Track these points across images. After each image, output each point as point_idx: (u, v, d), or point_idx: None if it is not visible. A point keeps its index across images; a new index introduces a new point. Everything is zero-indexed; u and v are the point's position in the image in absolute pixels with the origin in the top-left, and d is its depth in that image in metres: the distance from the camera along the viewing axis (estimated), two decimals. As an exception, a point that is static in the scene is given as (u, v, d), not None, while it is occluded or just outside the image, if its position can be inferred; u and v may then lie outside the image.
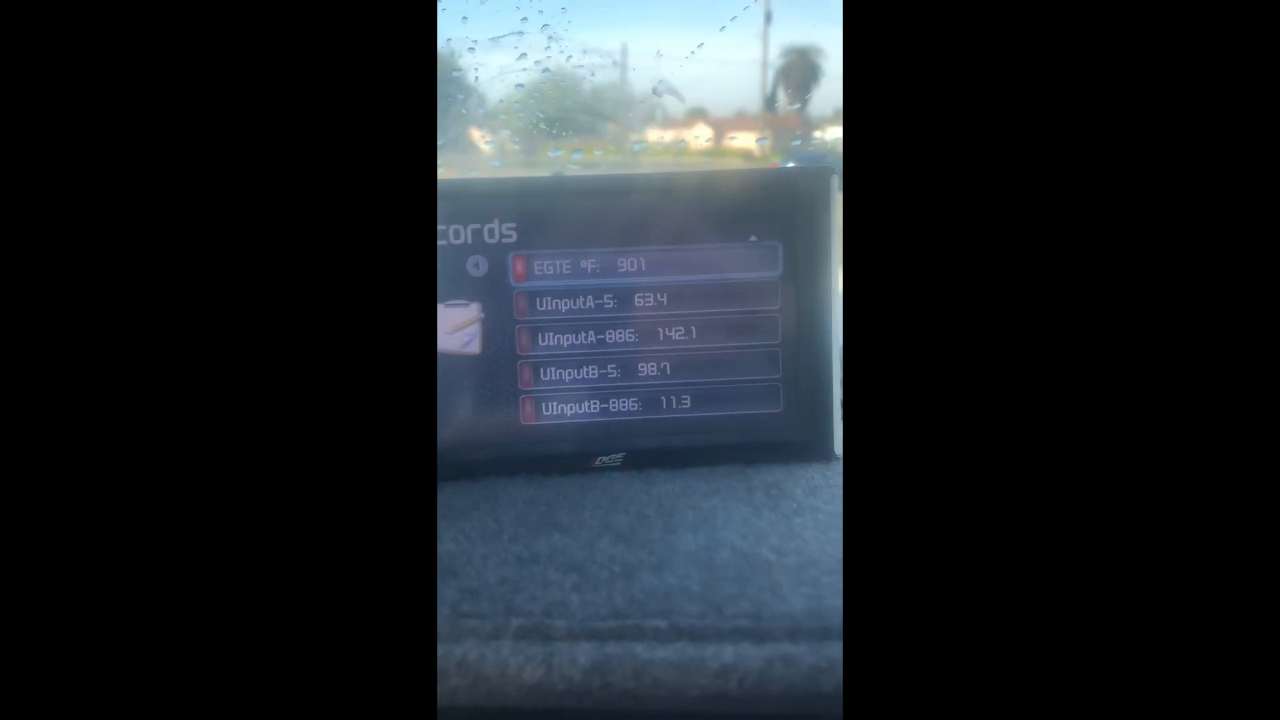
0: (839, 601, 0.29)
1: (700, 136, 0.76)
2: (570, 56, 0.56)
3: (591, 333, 0.42)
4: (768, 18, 0.72)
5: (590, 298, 0.42)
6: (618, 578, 0.31)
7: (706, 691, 0.27)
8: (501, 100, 0.61)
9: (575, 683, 0.27)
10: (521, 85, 0.58)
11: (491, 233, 0.41)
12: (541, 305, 0.42)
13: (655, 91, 0.59)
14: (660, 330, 0.42)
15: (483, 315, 0.42)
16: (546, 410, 0.43)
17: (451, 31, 0.54)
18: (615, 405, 0.43)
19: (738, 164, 0.80)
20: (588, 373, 0.43)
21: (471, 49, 0.56)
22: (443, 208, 0.41)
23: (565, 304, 0.42)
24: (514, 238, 0.41)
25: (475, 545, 0.34)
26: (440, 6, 0.53)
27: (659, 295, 0.42)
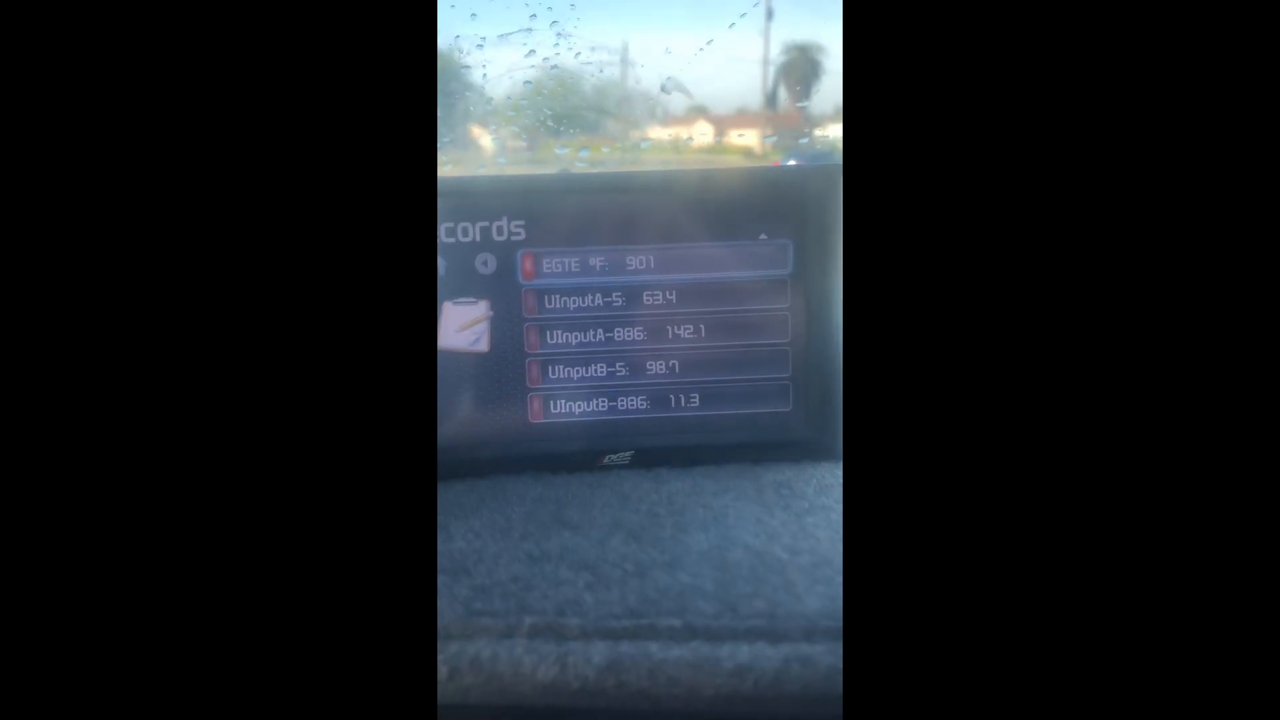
0: None
1: (704, 134, 0.76)
2: (579, 54, 0.56)
3: (600, 330, 0.42)
4: (769, 15, 0.72)
5: (599, 295, 0.42)
6: (630, 576, 0.31)
7: (721, 691, 0.27)
8: (509, 97, 0.61)
9: (590, 681, 0.27)
10: (529, 82, 0.58)
11: (500, 230, 0.41)
12: (550, 303, 0.42)
13: (664, 89, 0.59)
14: (669, 328, 0.42)
15: (491, 313, 0.42)
16: (555, 408, 0.43)
17: (460, 28, 0.54)
18: (624, 403, 0.43)
19: (740, 161, 0.80)
20: (596, 371, 0.43)
21: (480, 45, 0.55)
22: (451, 205, 0.41)
23: (574, 302, 0.42)
24: (522, 235, 0.41)
25: (486, 543, 0.34)
26: (449, 2, 0.53)
27: (668, 293, 0.42)
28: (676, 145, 0.73)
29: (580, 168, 0.62)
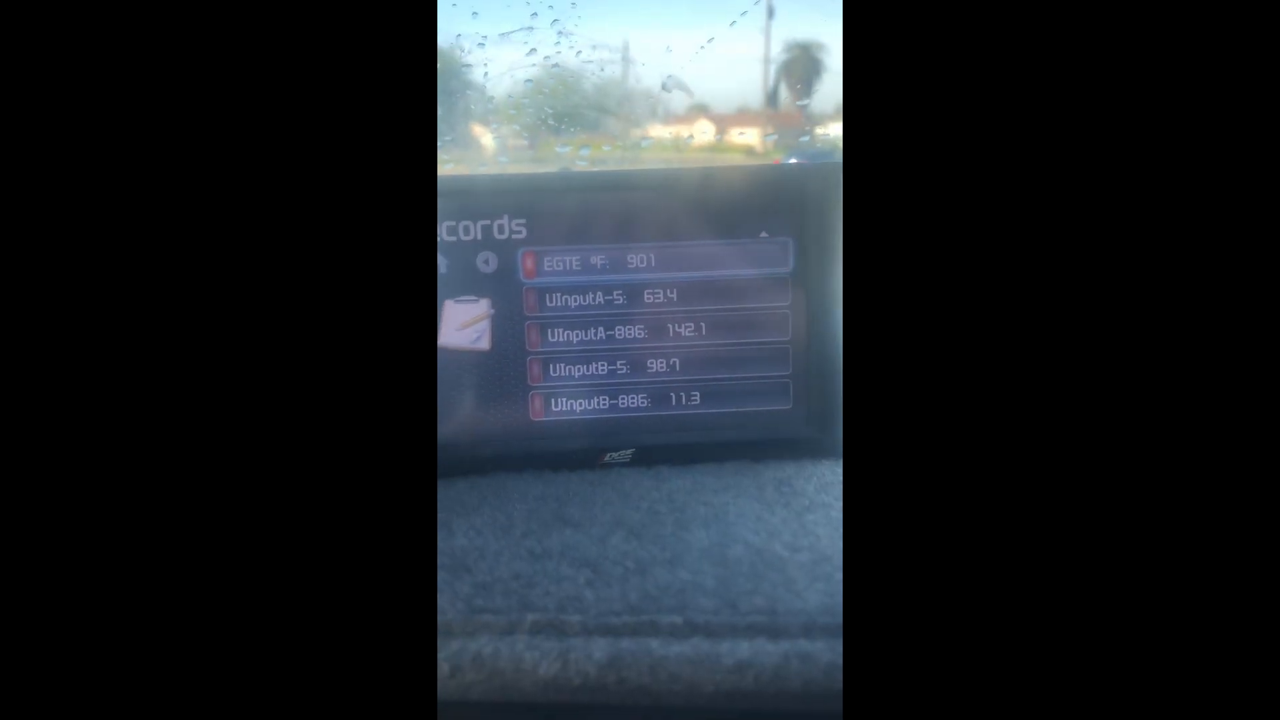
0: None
1: (705, 132, 0.76)
2: (580, 52, 0.56)
3: (601, 329, 0.42)
4: (770, 13, 0.72)
5: (600, 294, 0.42)
6: (631, 573, 0.31)
7: (721, 687, 0.27)
8: (510, 95, 0.61)
9: (590, 678, 0.27)
10: (530, 81, 0.58)
11: (501, 229, 0.41)
12: (551, 301, 0.42)
13: (665, 87, 0.59)
14: (670, 326, 0.42)
15: (492, 311, 0.42)
16: (556, 406, 0.43)
17: (461, 27, 0.54)
18: (625, 401, 0.43)
19: (741, 159, 0.80)
20: (597, 369, 0.43)
21: (481, 44, 0.55)
22: (452, 204, 0.41)
23: (575, 300, 0.42)
24: (523, 234, 0.41)
25: (487, 540, 0.34)
26: (450, 1, 0.53)
27: (669, 291, 0.42)
28: (677, 144, 0.73)
29: (581, 166, 0.62)
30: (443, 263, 0.41)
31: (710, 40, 0.57)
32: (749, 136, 0.79)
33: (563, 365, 0.43)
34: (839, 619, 0.28)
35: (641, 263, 0.42)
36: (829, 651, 0.27)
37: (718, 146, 0.77)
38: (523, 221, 0.41)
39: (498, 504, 0.38)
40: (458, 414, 0.42)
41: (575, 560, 0.32)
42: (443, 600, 0.30)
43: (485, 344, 0.42)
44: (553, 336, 0.42)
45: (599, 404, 0.43)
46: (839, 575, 0.31)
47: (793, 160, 0.77)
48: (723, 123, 0.79)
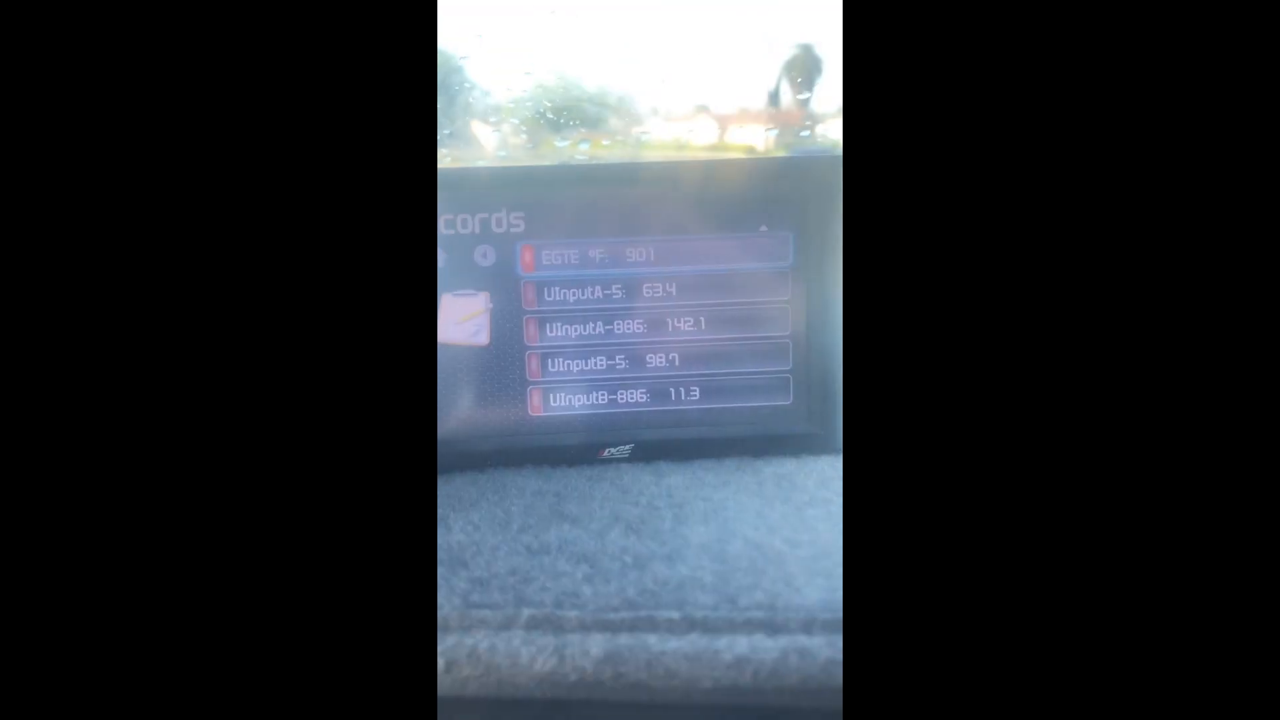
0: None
1: (705, 130, 0.76)
2: (580, 49, 0.56)
3: (600, 323, 0.42)
4: (771, 11, 0.72)
5: (599, 288, 0.42)
6: (629, 569, 0.31)
7: (720, 683, 0.27)
8: (508, 90, 0.60)
9: (587, 673, 0.27)
10: (529, 73, 0.58)
11: (499, 222, 0.41)
12: (550, 295, 0.42)
13: (665, 85, 0.59)
14: (669, 321, 0.42)
15: (490, 305, 0.42)
16: (554, 401, 0.43)
17: (460, 20, 0.53)
18: (624, 397, 0.43)
19: (741, 157, 0.80)
20: (596, 364, 0.42)
21: (480, 36, 0.55)
22: (450, 197, 0.40)
23: (574, 294, 0.42)
24: (522, 227, 0.41)
25: (484, 536, 0.34)
26: (449, -6, 0.52)
27: (668, 285, 0.42)
28: (677, 142, 0.73)
29: (580, 161, 0.62)
30: (440, 256, 0.41)
31: (711, 39, 0.56)
32: (750, 135, 0.79)
33: (561, 360, 0.42)
34: (838, 614, 0.28)
35: (641, 257, 0.42)
36: (828, 647, 0.27)
37: (718, 146, 0.77)
38: (521, 214, 0.41)
39: (495, 499, 0.37)
40: (456, 409, 0.42)
41: (573, 555, 0.32)
42: (439, 595, 0.29)
43: (483, 338, 0.42)
44: (551, 331, 0.42)
45: (598, 399, 0.43)
46: (839, 571, 0.30)
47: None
48: (723, 121, 0.79)
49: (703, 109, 0.76)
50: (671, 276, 0.42)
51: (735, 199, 0.41)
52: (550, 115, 0.61)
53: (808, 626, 0.28)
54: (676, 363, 0.43)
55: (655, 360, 0.43)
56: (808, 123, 0.75)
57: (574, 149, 0.63)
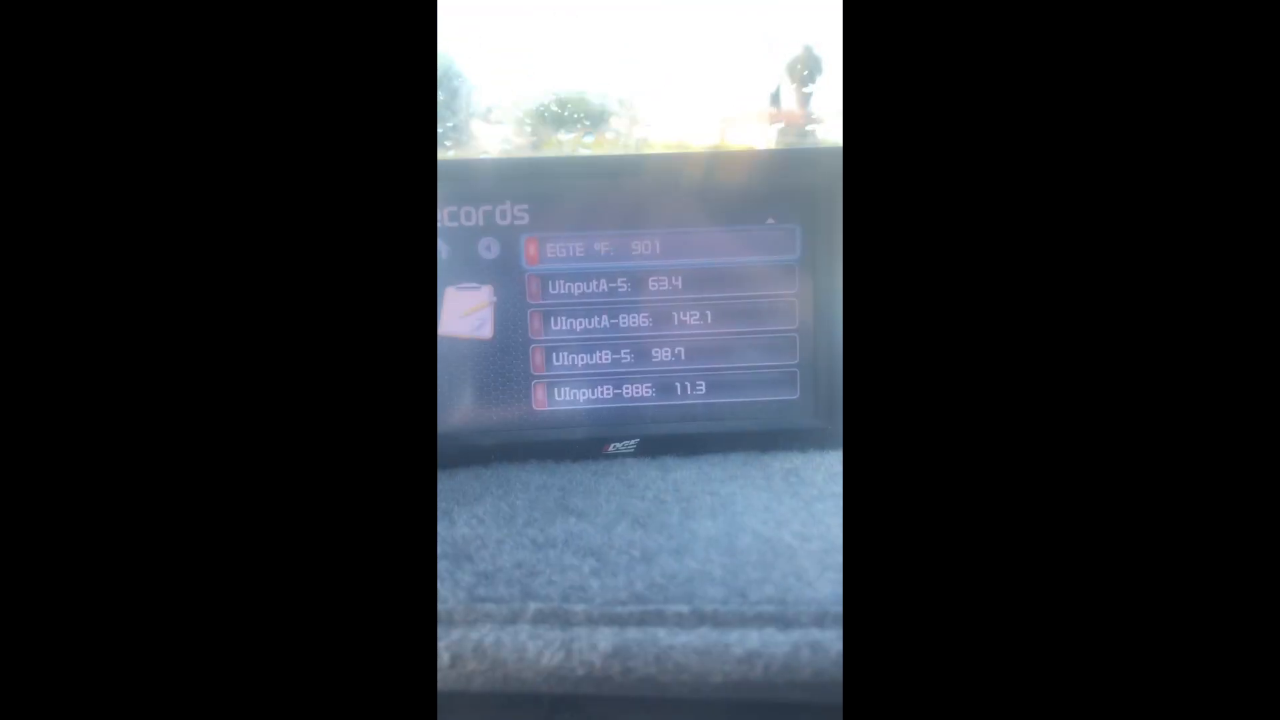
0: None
1: (706, 129, 0.76)
2: (581, 49, 0.56)
3: (605, 317, 0.42)
4: (772, 11, 0.71)
5: (604, 281, 0.41)
6: (637, 562, 0.30)
7: (730, 677, 0.26)
8: (510, 88, 0.60)
9: (595, 668, 0.27)
10: (530, 72, 0.58)
11: (503, 214, 0.41)
12: (554, 288, 0.41)
13: (666, 83, 0.58)
14: (675, 314, 0.42)
15: (495, 299, 0.41)
16: (559, 395, 0.42)
17: (462, 19, 0.53)
18: (629, 391, 0.42)
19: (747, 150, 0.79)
20: (601, 357, 0.42)
21: (480, 36, 0.55)
22: (453, 189, 0.40)
23: (578, 287, 0.41)
24: (526, 220, 0.41)
25: (490, 530, 0.33)
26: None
27: (673, 279, 0.41)
28: (680, 145, 0.73)
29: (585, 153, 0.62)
30: (443, 249, 0.40)
31: (711, 38, 0.56)
32: (750, 134, 0.79)
33: (566, 354, 0.42)
34: None
35: (646, 249, 0.41)
36: (840, 641, 0.26)
37: (719, 145, 0.77)
38: (525, 207, 0.40)
39: (500, 493, 0.37)
40: (460, 404, 0.41)
41: (579, 549, 0.31)
42: (443, 589, 0.29)
43: (487, 332, 0.41)
44: (556, 324, 0.42)
45: (603, 393, 0.42)
46: None
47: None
48: (724, 120, 0.78)
49: (703, 110, 0.76)
50: (677, 270, 0.41)
51: (742, 191, 0.41)
52: (555, 107, 0.60)
53: (820, 620, 0.27)
54: (682, 357, 0.42)
55: (661, 354, 0.42)
56: (809, 126, 0.74)
57: (579, 140, 0.62)
